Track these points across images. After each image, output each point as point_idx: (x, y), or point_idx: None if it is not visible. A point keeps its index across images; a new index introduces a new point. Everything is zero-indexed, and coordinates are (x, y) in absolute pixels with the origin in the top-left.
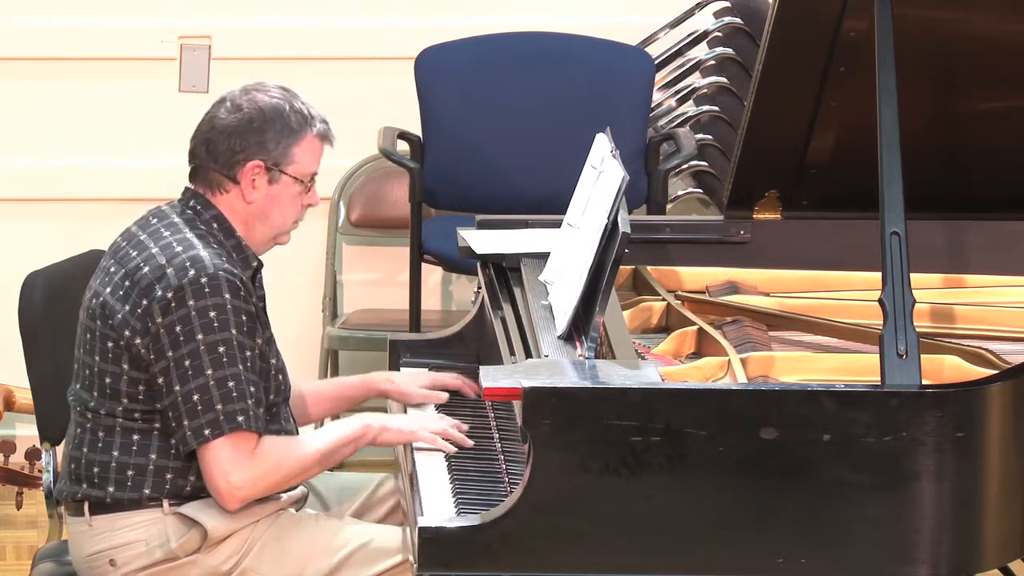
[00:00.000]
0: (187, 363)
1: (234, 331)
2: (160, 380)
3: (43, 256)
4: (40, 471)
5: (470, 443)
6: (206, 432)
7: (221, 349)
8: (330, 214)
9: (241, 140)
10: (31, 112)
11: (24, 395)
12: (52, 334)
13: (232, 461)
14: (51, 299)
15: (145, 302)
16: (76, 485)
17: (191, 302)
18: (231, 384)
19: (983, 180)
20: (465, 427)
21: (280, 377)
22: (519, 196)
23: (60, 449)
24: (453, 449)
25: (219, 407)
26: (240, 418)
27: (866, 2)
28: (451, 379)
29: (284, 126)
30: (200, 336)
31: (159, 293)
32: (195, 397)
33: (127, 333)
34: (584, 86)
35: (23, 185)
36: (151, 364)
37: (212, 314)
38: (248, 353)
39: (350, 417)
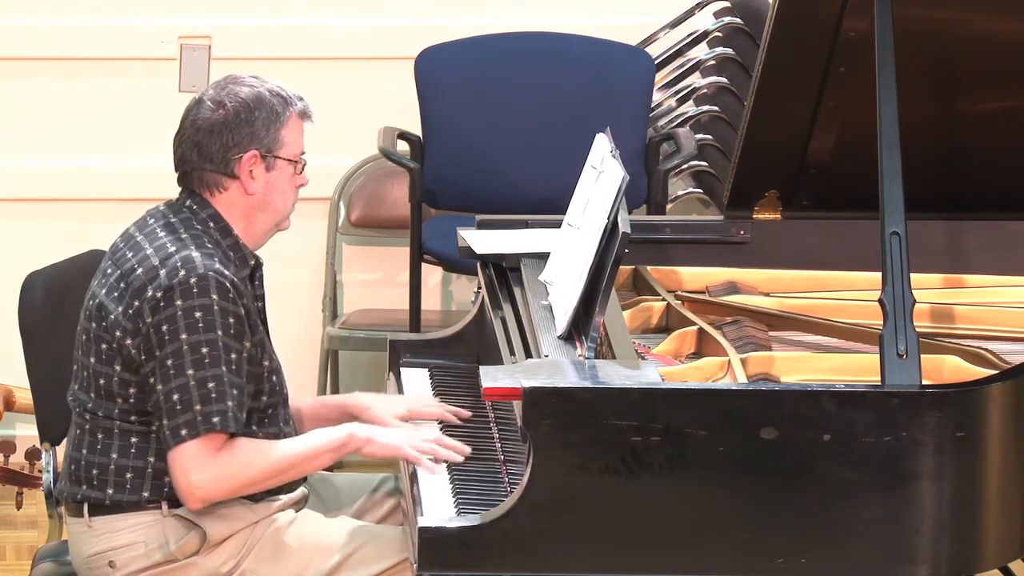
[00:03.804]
0: (169, 362)
1: (220, 332)
2: (151, 380)
3: (43, 256)
4: (40, 471)
5: (460, 457)
6: (183, 432)
7: (204, 350)
8: (330, 214)
9: (233, 135)
10: (31, 112)
11: (24, 395)
12: (52, 334)
13: (193, 459)
14: (51, 299)
15: (137, 303)
16: (76, 486)
17: (179, 302)
18: (211, 385)
19: (983, 180)
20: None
21: (275, 379)
22: (519, 196)
23: (60, 449)
24: (434, 468)
25: (198, 407)
26: (215, 419)
27: (866, 2)
28: (429, 411)
29: (269, 111)
30: (184, 336)
31: (150, 293)
32: (175, 396)
33: (118, 334)
34: (584, 86)
35: (23, 185)
36: (142, 365)
37: (198, 314)
38: (233, 356)
39: (340, 425)
